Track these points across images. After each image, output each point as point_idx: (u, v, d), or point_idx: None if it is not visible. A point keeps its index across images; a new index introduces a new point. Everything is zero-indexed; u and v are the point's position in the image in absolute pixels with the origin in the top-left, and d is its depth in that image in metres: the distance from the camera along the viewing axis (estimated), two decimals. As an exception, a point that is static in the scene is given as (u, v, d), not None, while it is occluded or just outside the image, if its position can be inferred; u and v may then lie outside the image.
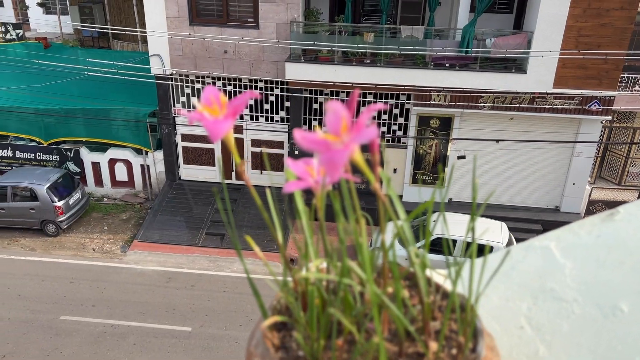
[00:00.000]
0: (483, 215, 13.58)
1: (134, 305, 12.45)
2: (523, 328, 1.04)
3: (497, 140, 14.15)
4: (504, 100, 13.99)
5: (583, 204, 15.45)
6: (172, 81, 15.22)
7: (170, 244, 14.60)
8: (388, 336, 0.90)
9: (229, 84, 15.12)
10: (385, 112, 14.79)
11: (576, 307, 1.06)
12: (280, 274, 0.99)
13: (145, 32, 14.94)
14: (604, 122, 14.55)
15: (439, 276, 1.03)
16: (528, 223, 14.78)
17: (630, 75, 15.38)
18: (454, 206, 14.29)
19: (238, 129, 15.80)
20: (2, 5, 24.68)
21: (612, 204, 15.44)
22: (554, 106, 13.95)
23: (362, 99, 14.68)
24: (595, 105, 13.90)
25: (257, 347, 0.98)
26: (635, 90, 15.58)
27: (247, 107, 15.31)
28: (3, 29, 18.06)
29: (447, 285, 0.97)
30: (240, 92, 15.18)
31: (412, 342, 0.86)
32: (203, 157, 16.46)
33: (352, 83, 13.97)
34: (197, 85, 15.29)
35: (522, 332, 1.04)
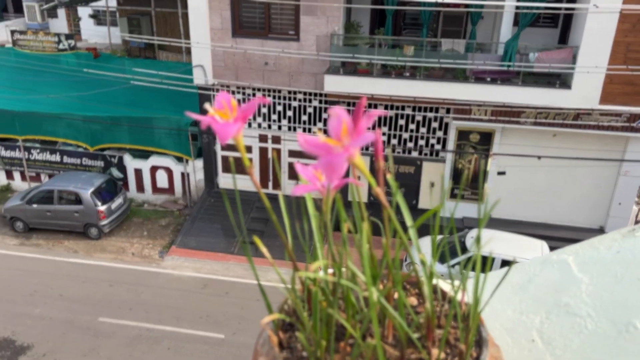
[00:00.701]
0: (523, 233, 13.25)
1: (170, 310, 12.66)
2: (534, 342, 1.03)
3: (539, 157, 13.82)
4: (547, 115, 13.67)
5: (629, 224, 14.88)
6: (213, 91, 15.52)
7: (206, 250, 14.80)
8: (392, 342, 0.89)
9: (269, 95, 15.31)
10: (423, 125, 14.69)
11: (589, 323, 1.03)
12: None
13: (189, 44, 15.33)
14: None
15: (449, 286, 1.01)
16: (570, 243, 14.22)
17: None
18: (493, 223, 14.01)
19: (276, 140, 15.95)
20: (57, 17, 25.79)
21: (661, 226, 14.83)
22: (600, 123, 13.54)
23: (400, 111, 14.62)
24: (643, 123, 13.42)
25: (263, 346, 0.99)
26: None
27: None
28: (56, 39, 18.85)
29: (459, 295, 0.95)
30: (279, 103, 15.36)
31: (416, 349, 0.85)
32: (241, 166, 16.64)
33: (390, 95, 13.94)
34: (238, 96, 15.54)
35: (532, 346, 1.03)
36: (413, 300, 1.01)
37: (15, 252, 14.98)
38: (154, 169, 17.30)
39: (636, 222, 15.28)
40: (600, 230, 14.89)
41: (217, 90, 15.39)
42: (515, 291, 1.14)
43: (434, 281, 0.98)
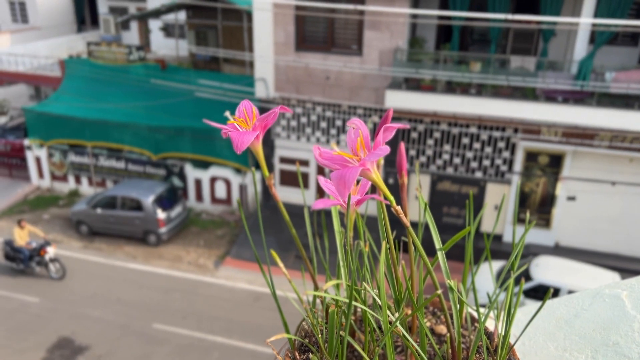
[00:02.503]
0: (595, 264, 12.44)
1: (221, 321, 12.66)
2: (578, 383, 0.90)
3: (614, 183, 12.98)
4: (624, 139, 12.84)
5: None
6: (274, 104, 15.61)
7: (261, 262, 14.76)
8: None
9: (329, 109, 15.23)
10: (488, 144, 14.14)
11: None
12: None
13: (252, 57, 15.50)
14: None
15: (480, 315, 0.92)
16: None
17: None
18: (561, 251, 13.24)
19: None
20: (129, 30, 26.92)
21: None
22: (683, 149, 12.58)
23: (464, 129, 14.15)
24: None
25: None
26: None
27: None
28: (127, 50, 19.60)
29: (494, 326, 0.91)
30: (338, 117, 15.23)
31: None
32: (298, 180, 16.64)
33: (454, 113, 13.52)
34: (298, 109, 15.54)
35: (575, 387, 0.92)
36: (442, 329, 0.99)
37: (79, 255, 15.50)
38: (213, 180, 17.56)
39: None
40: (680, 265, 13.78)
41: (278, 103, 15.45)
42: (560, 325, 1.04)
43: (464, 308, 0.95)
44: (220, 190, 17.61)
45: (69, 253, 15.51)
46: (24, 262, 13.87)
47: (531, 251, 13.72)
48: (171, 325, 12.49)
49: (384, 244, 0.79)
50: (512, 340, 0.85)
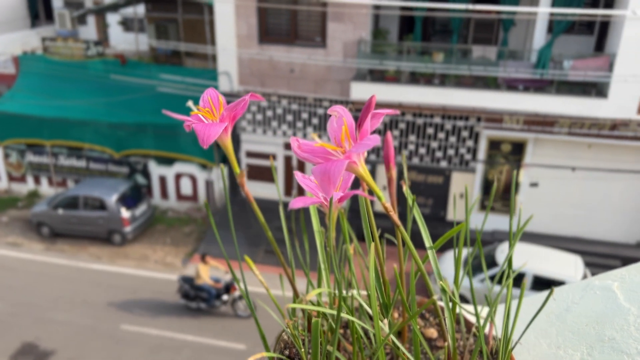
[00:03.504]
0: (557, 248, 12.76)
1: (192, 320, 12.50)
2: (574, 382, 0.90)
3: (574, 168, 13.33)
4: (582, 126, 13.19)
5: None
6: (239, 98, 15.41)
7: (229, 259, 14.62)
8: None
9: (294, 102, 15.14)
10: (453, 134, 14.32)
11: None
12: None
13: (215, 50, 15.27)
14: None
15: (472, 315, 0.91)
16: (606, 258, 13.78)
17: None
18: (524, 236, 13.54)
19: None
20: (86, 24, 26.15)
21: (702, 242, 14.18)
22: (638, 134, 13.00)
23: (429, 120, 14.28)
24: (685, 134, 12.84)
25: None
26: None
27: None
28: (85, 46, 19.03)
29: (487, 327, 0.86)
30: (304, 110, 15.17)
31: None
32: (266, 174, 16.52)
33: (419, 103, 13.63)
34: (263, 103, 15.40)
35: (572, 387, 0.92)
36: (432, 333, 0.93)
37: (40, 257, 15.04)
38: (178, 176, 17.27)
39: (676, 238, 14.64)
40: (638, 246, 14.29)
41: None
42: (551, 321, 1.00)
43: (457, 310, 0.88)
44: (186, 187, 17.34)
45: (30, 256, 15.04)
46: (208, 301, 12.50)
47: (496, 237, 14.00)
48: (140, 326, 12.26)
49: (371, 246, 0.73)
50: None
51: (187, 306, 12.75)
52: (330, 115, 0.78)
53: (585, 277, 11.76)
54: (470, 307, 0.90)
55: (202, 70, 17.72)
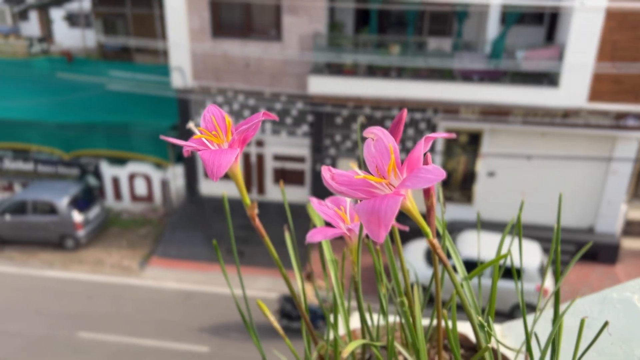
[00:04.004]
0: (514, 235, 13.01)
1: (152, 323, 12.13)
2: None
3: (529, 157, 13.62)
4: (536, 115, 13.48)
5: (618, 224, 14.77)
6: (193, 94, 15.04)
7: (188, 260, 14.30)
8: None
9: (251, 97, 14.89)
10: (411, 126, 14.39)
11: None
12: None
13: (166, 45, 14.82)
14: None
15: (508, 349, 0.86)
16: (561, 244, 14.15)
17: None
18: (483, 225, 13.76)
19: (260, 143, 15.53)
20: (28, 20, 24.99)
21: (650, 224, 14.77)
22: (588, 122, 13.39)
23: (387, 112, 14.30)
24: (631, 121, 13.30)
25: None
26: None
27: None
28: (28, 43, 18.16)
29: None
30: (264, 105, 14.93)
31: None
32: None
33: (377, 97, 13.61)
34: (219, 99, 15.08)
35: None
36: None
37: (-13, 266, 14.30)
38: (132, 176, 16.72)
39: (626, 222, 15.21)
40: (590, 230, 14.76)
41: (197, 92, 14.90)
42: (570, 340, 0.89)
43: (492, 344, 0.80)
44: (141, 187, 16.82)
45: (-24, 265, 14.27)
46: (313, 321, 11.38)
47: (456, 227, 14.17)
48: (98, 332, 11.81)
49: (415, 291, 0.61)
50: None
51: (288, 327, 11.61)
52: (365, 138, 0.64)
53: (542, 264, 12.06)
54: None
55: (153, 66, 17.20)
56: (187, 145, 0.65)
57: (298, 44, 13.92)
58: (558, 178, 14.33)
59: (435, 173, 0.54)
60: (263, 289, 13.32)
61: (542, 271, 11.60)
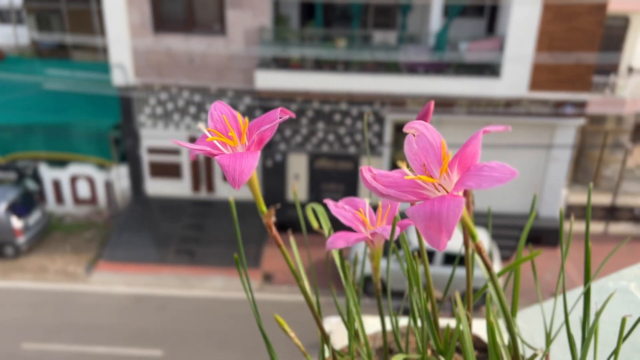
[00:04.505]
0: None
1: (102, 330, 11.73)
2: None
3: (474, 146, 13.95)
4: (479, 105, 13.82)
5: (560, 208, 15.37)
6: (135, 92, 14.57)
7: (137, 263, 13.89)
8: None
9: (196, 93, 14.57)
10: (359, 119, 14.47)
11: None
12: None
13: (106, 41, 14.28)
14: (578, 126, 14.54)
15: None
16: (506, 229, 14.62)
17: (603, 79, 15.44)
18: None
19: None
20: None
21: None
22: (529, 111, 13.84)
23: (336, 106, 14.32)
24: (568, 109, 13.85)
25: None
26: (607, 92, 15.65)
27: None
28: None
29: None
30: (210, 101, 14.63)
31: None
32: (170, 171, 15.82)
33: (325, 91, 13.60)
34: (163, 96, 14.68)
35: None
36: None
37: None
38: (73, 179, 16.06)
39: (567, 206, 15.86)
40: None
41: (140, 90, 14.45)
42: (572, 332, 0.85)
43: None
44: (83, 190, 16.19)
45: None
46: None
47: (404, 217, 14.38)
48: (44, 343, 11.32)
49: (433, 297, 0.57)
50: None
51: None
52: (406, 134, 0.58)
53: (491, 250, 12.38)
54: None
55: (92, 63, 16.56)
56: (198, 150, 0.58)
57: (243, 38, 13.71)
58: (502, 166, 14.77)
59: (501, 171, 0.48)
60: (217, 288, 13.11)
61: (491, 256, 11.92)
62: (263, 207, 0.67)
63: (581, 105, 13.86)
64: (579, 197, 16.45)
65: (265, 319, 0.81)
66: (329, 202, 0.72)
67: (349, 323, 0.76)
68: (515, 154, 14.45)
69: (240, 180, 0.54)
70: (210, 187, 15.86)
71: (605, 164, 17.28)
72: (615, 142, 16.63)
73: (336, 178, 15.05)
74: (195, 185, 15.91)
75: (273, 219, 0.67)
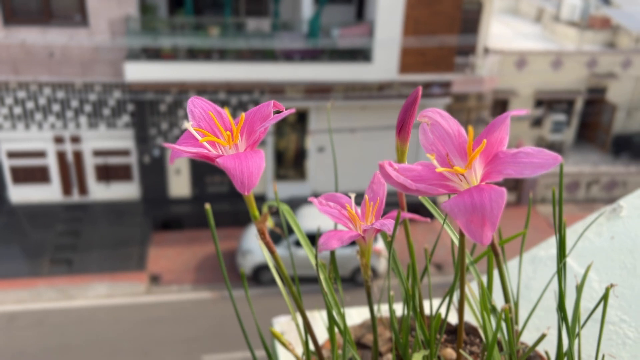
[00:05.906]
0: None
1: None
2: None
3: (352, 130, 14.38)
4: (355, 90, 14.25)
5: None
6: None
7: (6, 279, 12.64)
8: None
9: (60, 90, 13.48)
10: (240, 108, 14.28)
11: (629, 330, 0.85)
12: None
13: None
14: (445, 105, 15.53)
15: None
16: (392, 208, 15.27)
17: (463, 59, 16.60)
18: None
19: (75, 139, 14.19)
20: None
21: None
22: (401, 93, 14.53)
23: (214, 96, 13.98)
24: (436, 89, 14.74)
25: None
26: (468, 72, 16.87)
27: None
28: None
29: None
30: (76, 97, 13.61)
31: None
32: (36, 175, 14.54)
33: (202, 81, 13.24)
34: (21, 94, 13.40)
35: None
36: (450, 353, 0.84)
37: None
38: None
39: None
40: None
41: (-7, 90, 13.08)
42: (522, 302, 0.95)
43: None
44: None
45: None
46: None
47: (293, 204, 14.51)
48: None
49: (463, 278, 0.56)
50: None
51: None
52: (420, 123, 0.54)
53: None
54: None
55: None
56: (190, 154, 0.50)
57: (108, 28, 12.88)
58: (379, 148, 15.39)
59: (541, 156, 0.44)
60: (101, 296, 12.34)
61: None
62: (256, 211, 0.62)
63: (446, 85, 14.81)
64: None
65: (155, 321, 0.74)
66: (314, 200, 0.69)
67: (329, 318, 0.74)
68: (391, 135, 15.12)
69: (250, 184, 0.48)
70: (83, 189, 14.82)
71: (471, 139, 18.63)
72: (477, 118, 18.00)
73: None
74: (66, 189, 14.78)
75: (266, 224, 0.62)
